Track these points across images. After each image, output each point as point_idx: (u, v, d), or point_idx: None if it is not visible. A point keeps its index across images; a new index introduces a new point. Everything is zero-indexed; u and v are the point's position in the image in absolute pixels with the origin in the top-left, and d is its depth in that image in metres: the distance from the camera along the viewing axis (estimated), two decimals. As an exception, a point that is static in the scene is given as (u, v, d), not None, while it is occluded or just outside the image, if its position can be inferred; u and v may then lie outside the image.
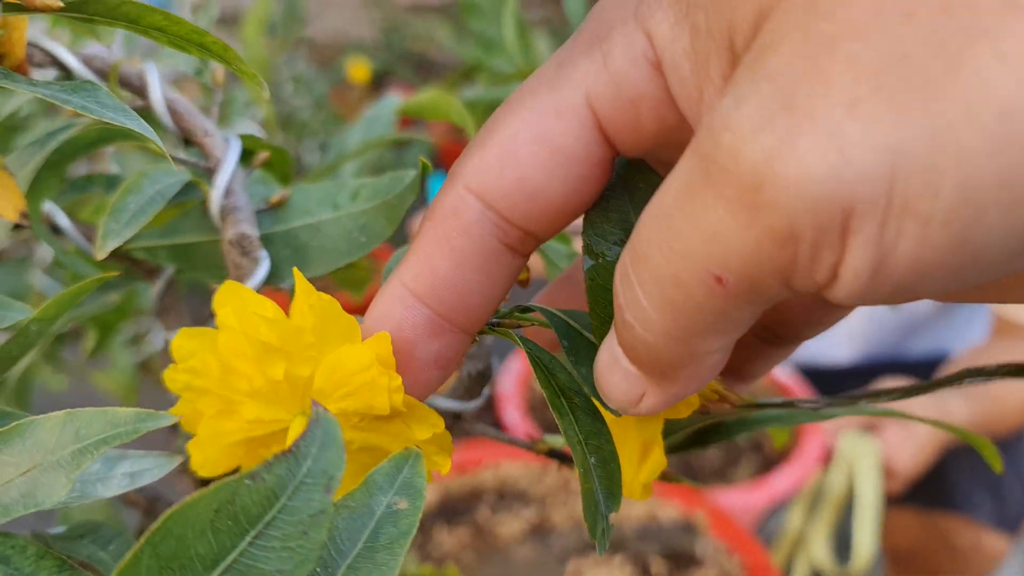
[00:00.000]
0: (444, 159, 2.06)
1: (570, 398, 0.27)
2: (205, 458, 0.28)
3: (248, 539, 0.20)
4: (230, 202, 0.35)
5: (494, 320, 0.30)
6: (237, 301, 0.26)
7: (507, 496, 1.07)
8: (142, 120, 0.26)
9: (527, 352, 0.28)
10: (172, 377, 0.27)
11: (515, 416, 1.21)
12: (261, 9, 0.70)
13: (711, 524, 1.05)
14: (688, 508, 1.07)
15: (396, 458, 0.25)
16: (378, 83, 2.35)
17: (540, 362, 0.28)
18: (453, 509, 1.05)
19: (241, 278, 0.35)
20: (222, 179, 0.35)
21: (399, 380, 0.26)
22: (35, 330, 0.31)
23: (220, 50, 0.28)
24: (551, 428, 1.20)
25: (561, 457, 0.39)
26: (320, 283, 0.29)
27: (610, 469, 0.27)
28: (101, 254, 0.32)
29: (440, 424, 0.28)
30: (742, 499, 1.17)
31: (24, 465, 0.23)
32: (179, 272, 0.40)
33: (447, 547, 1.00)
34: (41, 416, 0.24)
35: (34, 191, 0.36)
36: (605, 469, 0.27)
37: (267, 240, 0.36)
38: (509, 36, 0.63)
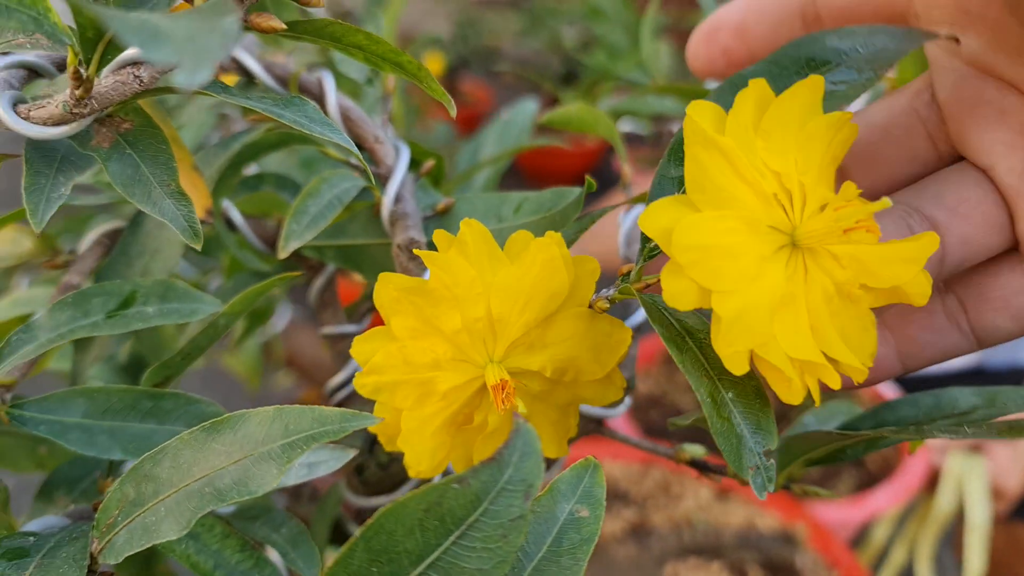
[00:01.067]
0: (515, 160, 2.07)
1: (700, 339, 0.29)
2: (417, 452, 0.29)
3: (452, 538, 0.22)
4: (400, 208, 0.36)
5: (621, 284, 0.31)
6: (394, 282, 0.28)
7: (608, 496, 1.07)
8: (347, 136, 0.28)
9: (644, 303, 0.29)
10: (362, 383, 0.29)
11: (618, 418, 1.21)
12: (397, 2, 0.72)
13: (810, 537, 1.04)
14: (788, 519, 1.06)
15: (577, 467, 0.26)
16: (451, 76, 2.39)
17: (658, 305, 0.29)
18: (554, 505, 1.06)
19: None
20: (393, 185, 0.36)
21: (567, 251, 0.29)
22: (223, 323, 0.34)
23: (414, 69, 0.30)
24: (652, 430, 1.20)
25: (702, 467, 0.39)
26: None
27: (755, 405, 0.28)
28: (283, 253, 0.34)
29: (627, 334, 0.31)
30: (840, 514, 1.15)
31: (235, 455, 0.25)
32: (341, 271, 0.42)
33: (547, 542, 1.01)
34: (250, 410, 0.26)
35: (217, 190, 0.39)
36: (749, 404, 0.28)
37: (433, 247, 0.37)
38: (647, 47, 0.64)
